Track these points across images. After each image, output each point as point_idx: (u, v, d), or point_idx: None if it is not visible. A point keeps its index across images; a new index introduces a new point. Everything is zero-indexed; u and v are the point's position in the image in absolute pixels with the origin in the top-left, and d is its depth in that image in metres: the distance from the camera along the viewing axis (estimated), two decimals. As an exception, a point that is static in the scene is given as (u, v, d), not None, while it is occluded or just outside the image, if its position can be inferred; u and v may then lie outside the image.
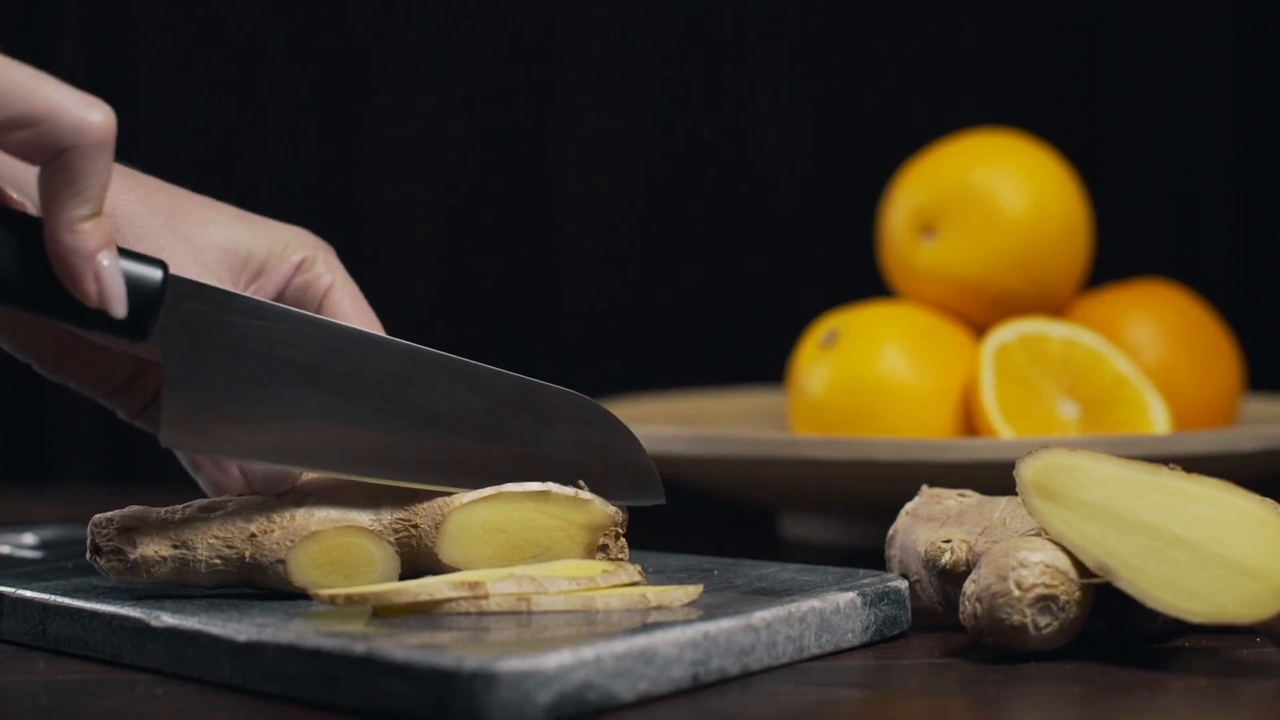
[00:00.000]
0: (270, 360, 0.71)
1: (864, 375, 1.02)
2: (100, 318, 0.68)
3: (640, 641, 0.63)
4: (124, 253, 0.68)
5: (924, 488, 0.77)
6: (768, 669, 0.68)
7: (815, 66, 1.42)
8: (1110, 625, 0.71)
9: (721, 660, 0.66)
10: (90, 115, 0.65)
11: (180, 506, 0.73)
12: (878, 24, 1.42)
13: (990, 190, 1.05)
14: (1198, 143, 1.41)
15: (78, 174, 0.65)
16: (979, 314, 1.06)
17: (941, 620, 0.74)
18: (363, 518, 0.73)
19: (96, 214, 0.66)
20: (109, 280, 0.67)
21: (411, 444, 0.73)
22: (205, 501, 0.73)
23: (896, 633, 0.73)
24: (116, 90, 1.39)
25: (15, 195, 0.69)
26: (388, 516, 0.73)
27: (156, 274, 0.68)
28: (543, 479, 0.74)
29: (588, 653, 0.62)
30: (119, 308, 0.67)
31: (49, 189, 0.65)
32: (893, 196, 1.09)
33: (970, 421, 1.01)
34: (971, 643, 0.71)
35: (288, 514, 0.72)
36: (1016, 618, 0.68)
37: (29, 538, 0.90)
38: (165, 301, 0.69)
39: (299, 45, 1.40)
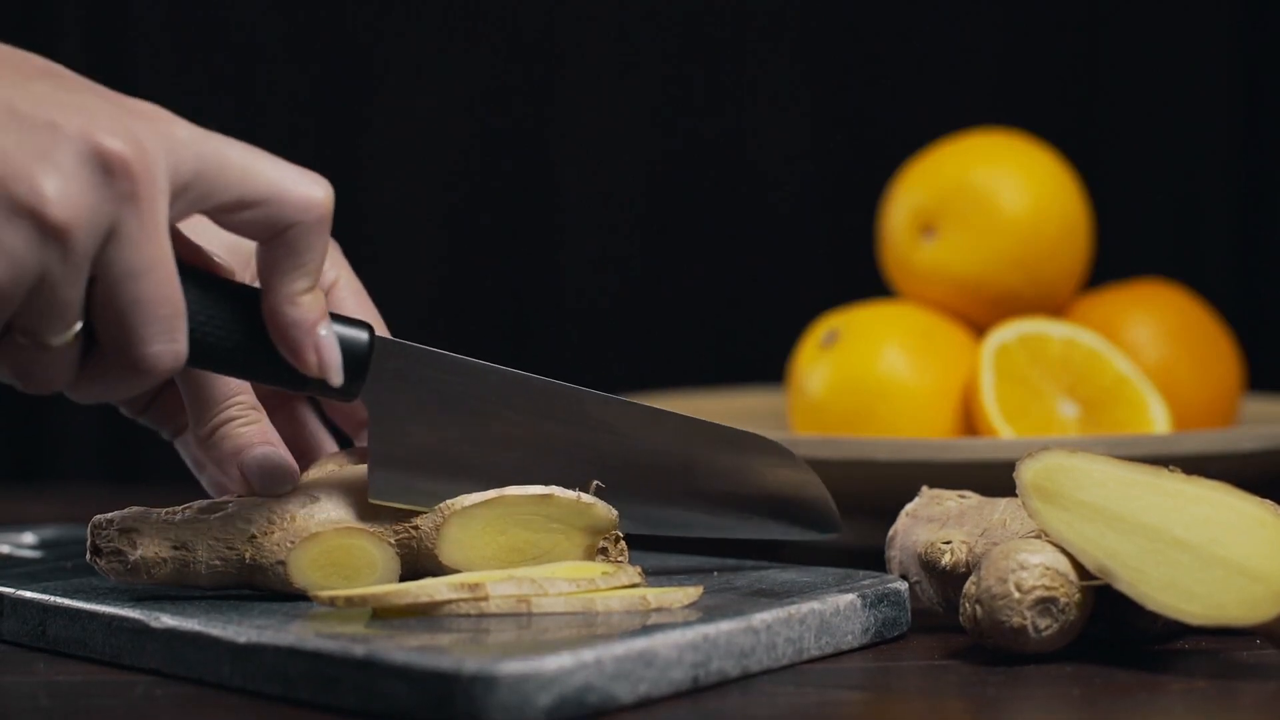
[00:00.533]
0: (471, 416, 0.73)
1: (864, 375, 1.02)
2: (314, 382, 0.69)
3: (640, 644, 0.63)
4: (332, 317, 0.69)
5: (924, 489, 0.77)
6: (767, 671, 0.68)
7: (815, 66, 1.42)
8: (1110, 627, 0.71)
9: (721, 662, 0.66)
10: (313, 192, 0.67)
11: (180, 508, 0.73)
12: (878, 24, 1.42)
13: (990, 190, 1.05)
14: (1198, 143, 1.41)
15: (299, 249, 0.66)
16: (979, 314, 1.06)
17: (941, 622, 0.74)
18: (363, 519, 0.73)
19: (315, 286, 0.67)
20: (328, 351, 0.68)
21: (610, 494, 0.74)
22: (205, 503, 0.73)
23: (896, 634, 0.73)
24: (116, 90, 1.39)
25: (220, 259, 0.70)
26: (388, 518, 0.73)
27: (364, 336, 0.70)
28: (740, 519, 0.76)
29: (588, 655, 0.62)
30: (337, 377, 0.68)
31: (269, 263, 0.67)
32: (893, 196, 1.09)
33: (970, 421, 1.01)
34: (971, 644, 0.71)
35: (288, 515, 0.72)
36: (1016, 620, 0.68)
37: (29, 538, 0.90)
38: (372, 362, 0.70)
39: (299, 45, 1.40)
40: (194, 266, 0.68)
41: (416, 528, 0.72)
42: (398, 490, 0.72)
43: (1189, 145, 1.42)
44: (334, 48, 1.41)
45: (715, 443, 0.77)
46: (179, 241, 0.68)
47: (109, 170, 0.62)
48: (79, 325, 0.63)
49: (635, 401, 0.76)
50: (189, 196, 0.64)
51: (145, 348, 0.64)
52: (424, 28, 1.41)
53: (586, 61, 1.42)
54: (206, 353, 0.67)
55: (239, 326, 0.68)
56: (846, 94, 1.42)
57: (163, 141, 0.64)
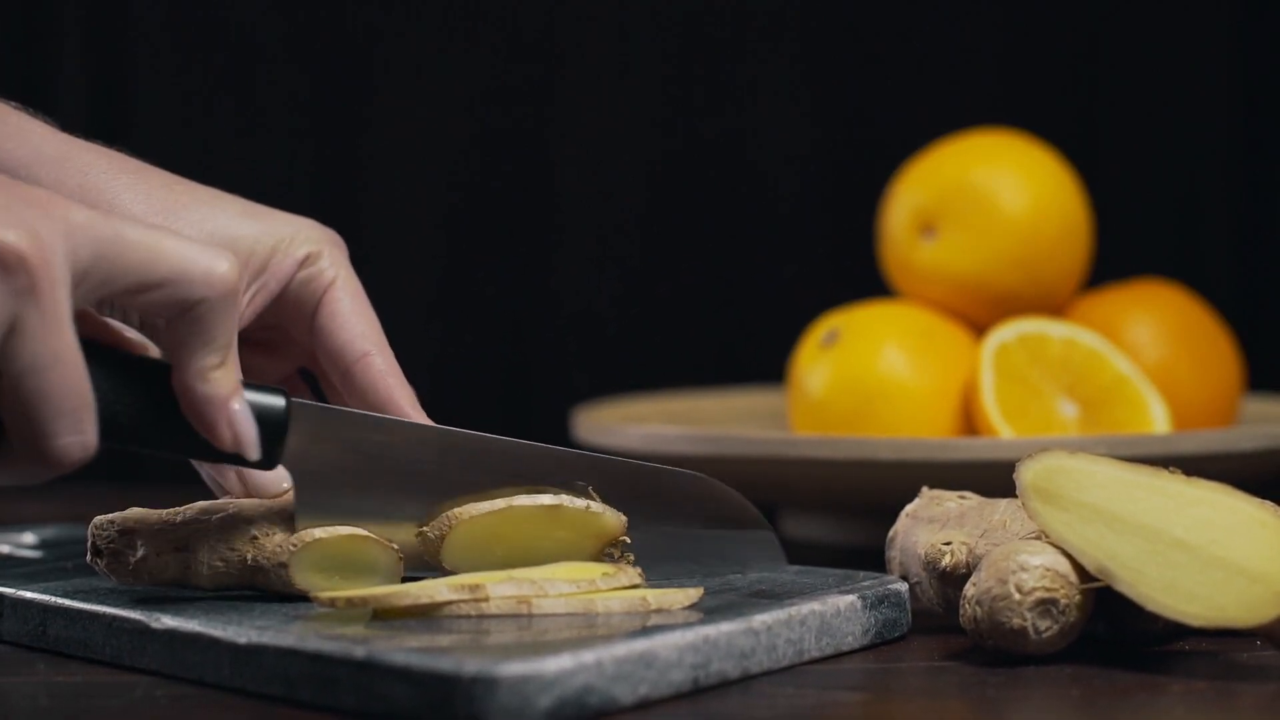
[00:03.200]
0: (395, 473, 0.72)
1: (864, 375, 1.02)
2: (231, 455, 0.68)
3: (640, 645, 0.63)
4: (246, 385, 0.68)
5: (924, 489, 0.77)
6: (768, 672, 0.68)
7: (815, 66, 1.42)
8: (1110, 628, 0.71)
9: (722, 663, 0.66)
10: (216, 267, 0.65)
11: (181, 508, 0.73)
12: (878, 24, 1.42)
13: (990, 190, 1.05)
14: (1198, 143, 1.41)
15: (207, 325, 0.65)
16: (979, 314, 1.06)
17: (941, 623, 0.74)
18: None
19: (226, 361, 0.66)
20: (243, 426, 0.67)
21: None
22: (206, 504, 0.73)
23: (896, 635, 0.73)
24: (116, 90, 1.39)
25: (131, 334, 0.69)
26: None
27: (280, 403, 0.69)
28: (672, 559, 0.75)
29: (588, 656, 0.62)
30: (254, 451, 0.68)
31: (178, 340, 0.66)
32: (893, 196, 1.09)
33: (970, 421, 1.01)
34: (971, 645, 0.71)
35: (289, 516, 0.72)
36: (1016, 621, 0.68)
37: (29, 538, 0.90)
38: (290, 428, 0.69)
39: (299, 45, 1.40)
40: (104, 346, 0.67)
41: (422, 534, 0.72)
42: None
43: (1189, 145, 1.42)
44: (334, 48, 1.41)
45: (641, 484, 0.75)
46: (87, 322, 0.66)
47: (5, 266, 0.60)
48: None
49: (558, 447, 0.74)
50: (90, 282, 0.63)
51: (53, 441, 0.62)
52: (424, 28, 1.41)
53: (586, 62, 1.42)
54: (122, 433, 0.66)
55: (152, 405, 0.67)
56: (847, 94, 1.42)
57: (59, 228, 0.62)
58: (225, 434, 0.67)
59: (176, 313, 0.65)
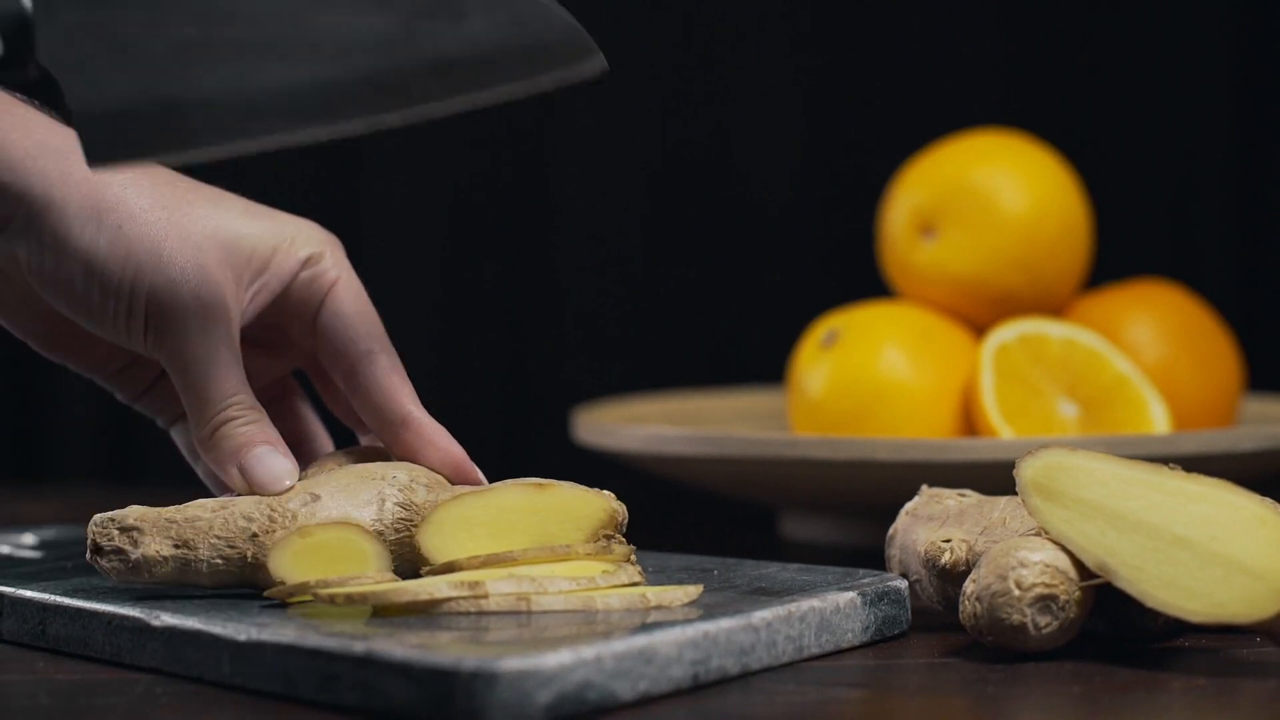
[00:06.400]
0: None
1: (864, 375, 1.02)
2: None
3: (640, 641, 0.63)
4: None
5: (924, 487, 0.77)
6: (767, 669, 0.68)
7: (815, 66, 1.42)
8: (1110, 625, 0.71)
9: (721, 660, 0.66)
10: None
11: (181, 507, 0.73)
12: (878, 24, 1.42)
13: (990, 190, 1.05)
14: (1197, 143, 1.41)
15: None
16: (979, 314, 1.06)
17: (941, 620, 0.74)
18: (364, 516, 0.73)
19: None
20: None
21: (332, 81, 0.68)
22: (206, 501, 0.73)
23: (896, 632, 0.73)
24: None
25: None
26: (390, 516, 0.73)
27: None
28: (469, 82, 0.67)
29: (588, 652, 0.62)
30: None
31: None
32: (893, 196, 1.09)
33: (970, 421, 1.01)
34: (971, 642, 0.71)
35: (290, 514, 0.72)
36: (1016, 617, 0.68)
37: (29, 538, 0.90)
38: (38, 25, 0.63)
39: (299, 45, 1.40)
40: None
41: (416, 525, 0.72)
42: (116, 148, 0.66)
43: (1189, 145, 1.41)
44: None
45: (430, 5, 0.67)
46: None
47: None
48: None
49: None
50: None
51: None
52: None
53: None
54: None
55: None
56: (847, 94, 1.42)
57: None
58: None
59: None
